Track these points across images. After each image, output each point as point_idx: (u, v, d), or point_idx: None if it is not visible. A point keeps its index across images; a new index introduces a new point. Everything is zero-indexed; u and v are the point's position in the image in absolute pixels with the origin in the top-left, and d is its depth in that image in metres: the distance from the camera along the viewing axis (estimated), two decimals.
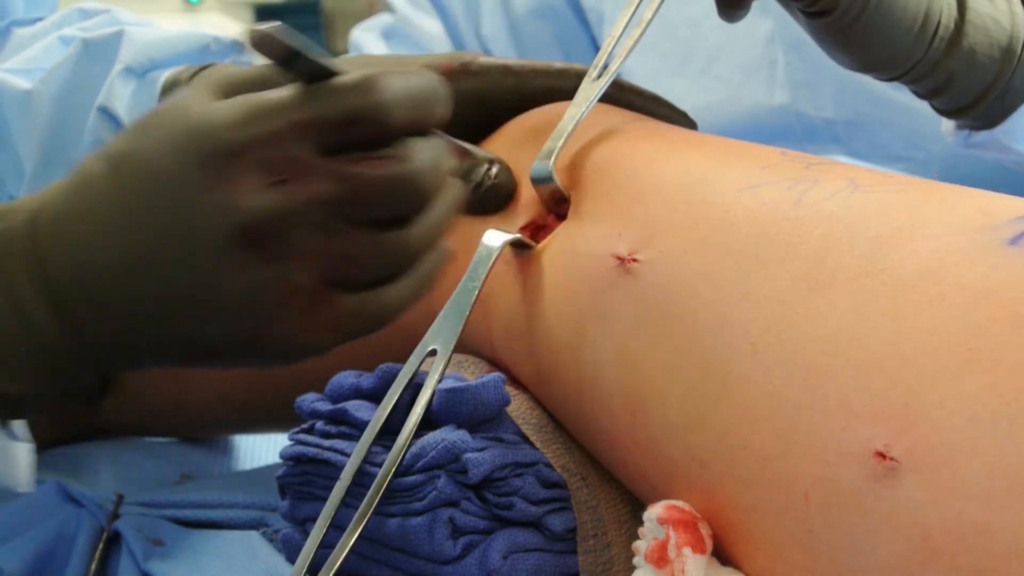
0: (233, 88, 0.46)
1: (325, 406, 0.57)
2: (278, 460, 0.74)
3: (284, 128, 0.44)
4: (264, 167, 0.44)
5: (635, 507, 0.55)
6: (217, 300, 0.45)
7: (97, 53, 0.69)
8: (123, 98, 0.68)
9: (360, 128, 0.45)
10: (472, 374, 0.59)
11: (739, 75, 1.01)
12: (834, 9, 0.57)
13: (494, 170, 0.60)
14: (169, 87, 0.67)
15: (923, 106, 0.69)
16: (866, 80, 0.70)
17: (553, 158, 0.57)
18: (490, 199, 0.60)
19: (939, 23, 0.61)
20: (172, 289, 0.45)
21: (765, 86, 1.01)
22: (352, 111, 0.44)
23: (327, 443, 0.56)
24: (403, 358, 0.55)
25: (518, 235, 0.58)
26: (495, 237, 0.57)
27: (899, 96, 0.94)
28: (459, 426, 0.53)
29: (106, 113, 0.68)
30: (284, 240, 0.45)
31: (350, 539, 0.50)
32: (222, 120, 0.44)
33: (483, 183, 0.60)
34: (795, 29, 0.75)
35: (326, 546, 0.51)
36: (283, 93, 0.44)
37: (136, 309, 0.45)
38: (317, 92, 0.44)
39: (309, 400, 0.58)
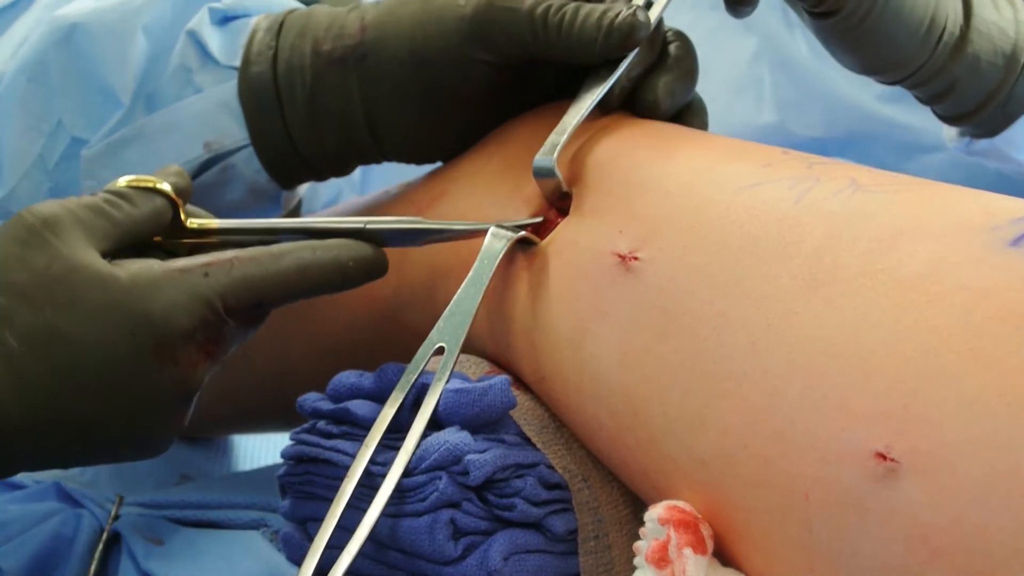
0: (116, 241, 0.54)
1: (327, 405, 0.57)
2: (277, 461, 0.74)
3: (218, 314, 0.53)
4: (203, 343, 0.53)
5: (636, 508, 0.55)
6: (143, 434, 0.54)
7: None
8: (213, 33, 0.68)
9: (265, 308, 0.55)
10: (474, 373, 0.59)
11: (726, 94, 1.01)
12: (841, 10, 0.57)
13: (626, 11, 0.59)
14: (252, 36, 0.67)
15: (915, 119, 0.69)
16: (856, 97, 0.70)
17: (556, 152, 0.57)
18: (615, 41, 0.59)
19: (944, 28, 0.61)
20: (108, 436, 0.52)
21: (753, 105, 1.01)
22: (260, 297, 0.54)
23: (328, 443, 0.56)
24: (406, 355, 0.55)
25: (523, 232, 0.58)
26: (501, 234, 0.57)
27: (890, 111, 0.94)
28: (463, 427, 0.54)
29: (194, 39, 0.67)
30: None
31: (360, 540, 0.50)
32: (174, 311, 0.51)
33: (614, 20, 0.59)
34: (780, 48, 0.75)
35: (330, 546, 0.51)
36: (208, 284, 0.52)
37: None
38: (232, 278, 0.53)
39: (311, 399, 0.58)
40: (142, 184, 0.55)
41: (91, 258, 0.51)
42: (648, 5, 0.61)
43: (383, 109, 0.65)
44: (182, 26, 0.68)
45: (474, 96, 0.64)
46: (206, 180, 0.68)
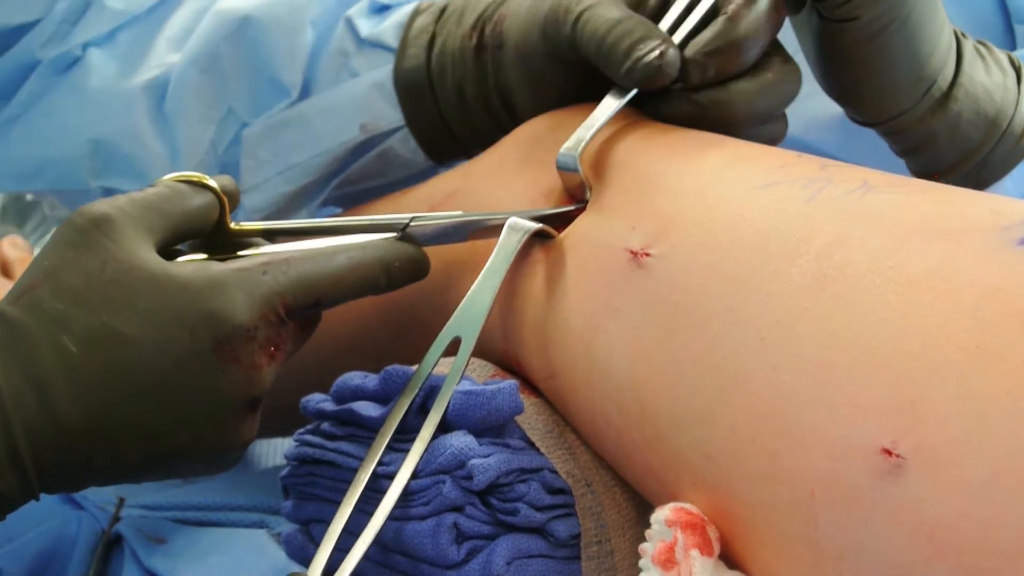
0: (168, 232, 0.53)
1: (331, 406, 0.57)
2: (278, 464, 0.74)
3: (278, 314, 0.52)
4: (265, 344, 0.51)
5: (639, 513, 0.56)
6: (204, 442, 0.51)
7: None
8: (371, 19, 0.70)
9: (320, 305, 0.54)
10: (479, 376, 0.59)
11: None
12: (860, 17, 0.57)
13: (656, 51, 0.58)
14: (411, 20, 0.69)
15: None
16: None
17: (581, 147, 0.58)
18: (638, 77, 0.59)
19: (935, 81, 0.61)
20: (175, 445, 0.50)
21: None
22: (317, 296, 0.53)
23: (332, 444, 0.56)
24: (416, 351, 0.55)
25: (541, 225, 0.58)
26: (519, 225, 0.58)
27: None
28: (469, 430, 0.54)
29: (351, 25, 0.70)
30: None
31: (366, 543, 0.50)
32: (233, 308, 0.50)
33: (640, 59, 0.58)
34: None
35: (334, 548, 0.50)
36: (267, 282, 0.52)
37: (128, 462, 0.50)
38: (290, 277, 0.52)
39: (315, 400, 0.58)
40: (190, 179, 0.55)
41: (146, 256, 0.50)
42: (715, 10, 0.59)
43: (512, 96, 0.67)
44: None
45: (559, 90, 0.65)
46: (366, 161, 0.71)
